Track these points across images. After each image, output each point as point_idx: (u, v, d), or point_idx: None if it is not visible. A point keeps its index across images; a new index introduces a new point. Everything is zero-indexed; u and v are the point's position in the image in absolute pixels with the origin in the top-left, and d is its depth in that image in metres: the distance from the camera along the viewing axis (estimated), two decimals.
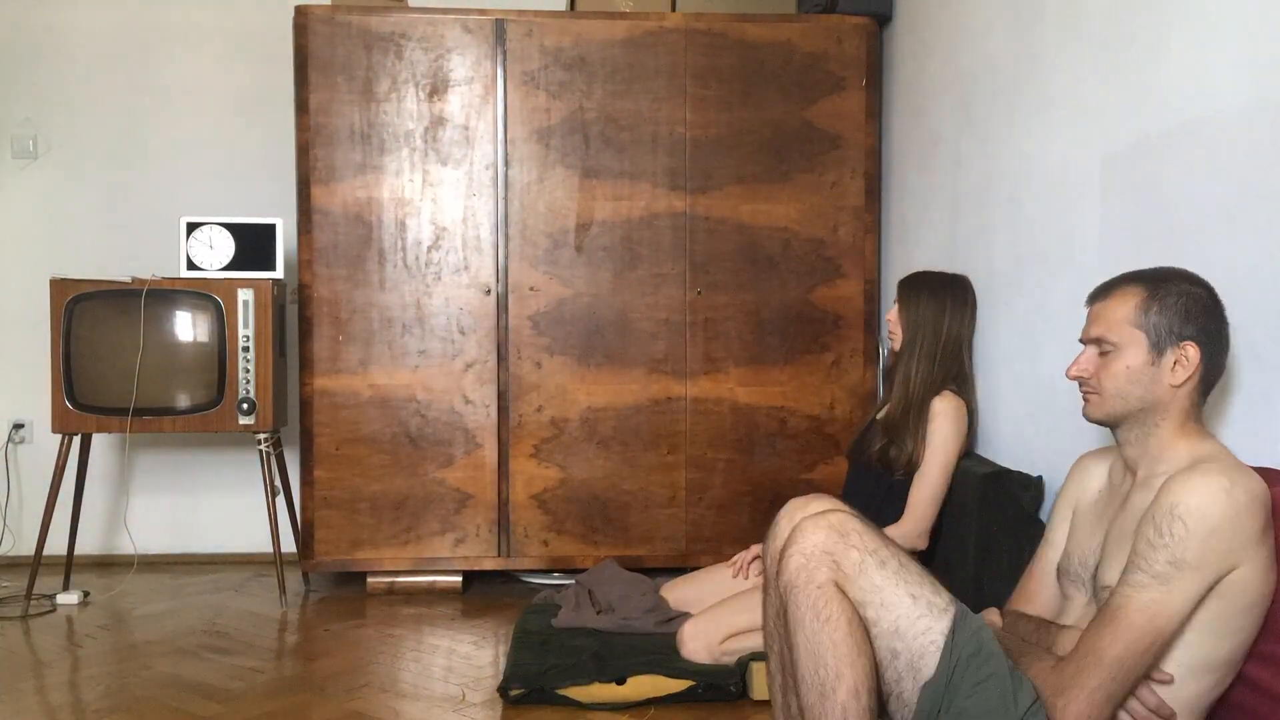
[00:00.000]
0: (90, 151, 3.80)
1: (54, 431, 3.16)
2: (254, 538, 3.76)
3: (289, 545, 3.56)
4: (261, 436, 3.22)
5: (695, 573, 2.89)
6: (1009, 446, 2.60)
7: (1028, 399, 2.52)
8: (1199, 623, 1.45)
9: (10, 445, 3.78)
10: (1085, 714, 1.43)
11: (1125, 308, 1.58)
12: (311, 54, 3.24)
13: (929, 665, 1.47)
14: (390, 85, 3.27)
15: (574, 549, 3.32)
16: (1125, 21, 2.10)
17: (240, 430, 3.18)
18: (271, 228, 3.26)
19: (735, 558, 2.71)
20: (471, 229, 3.30)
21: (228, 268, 3.22)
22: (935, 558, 2.63)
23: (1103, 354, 1.60)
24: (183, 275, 3.20)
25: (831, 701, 1.43)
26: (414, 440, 3.28)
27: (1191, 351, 1.54)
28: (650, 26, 3.31)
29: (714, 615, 2.46)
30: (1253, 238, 1.73)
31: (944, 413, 2.55)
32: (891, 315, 2.71)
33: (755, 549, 2.66)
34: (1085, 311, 1.68)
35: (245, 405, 3.15)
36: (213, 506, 3.84)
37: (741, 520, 3.36)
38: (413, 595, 3.33)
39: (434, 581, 3.35)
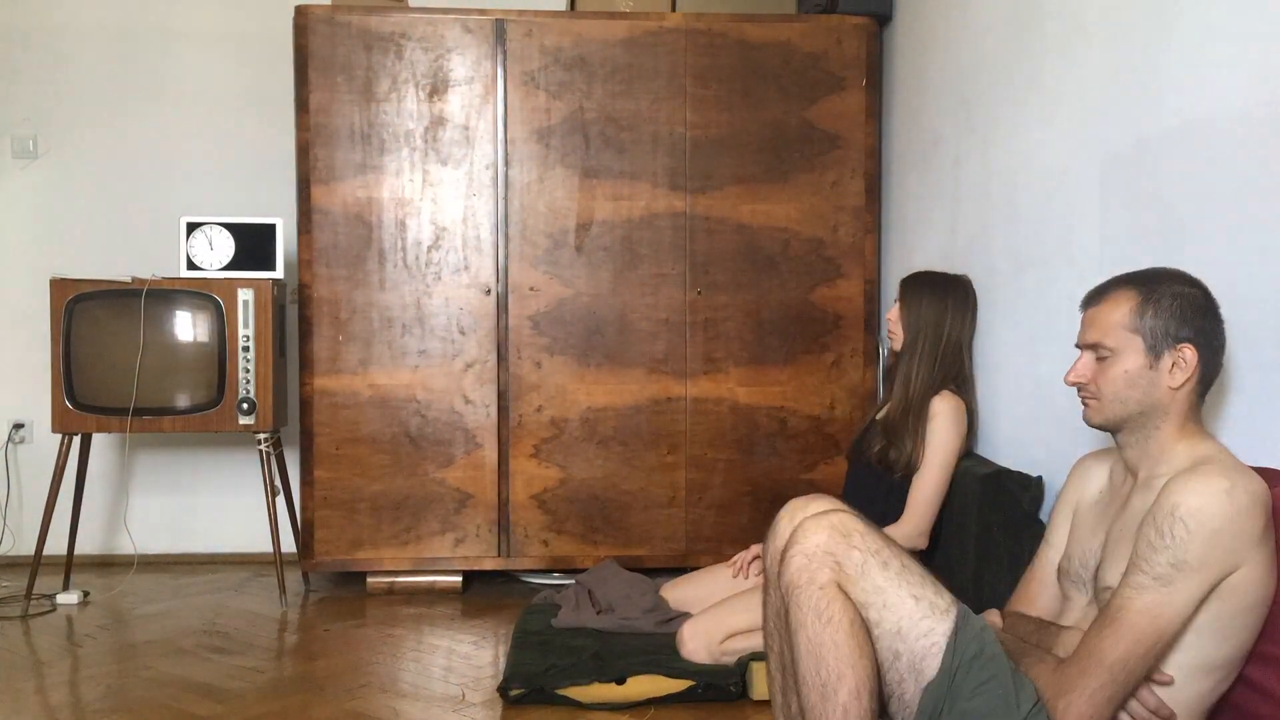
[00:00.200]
0: (90, 151, 3.80)
1: (54, 431, 3.16)
2: (254, 538, 3.76)
3: (289, 545, 3.56)
4: (261, 436, 3.22)
5: (695, 573, 2.89)
6: (1009, 446, 2.60)
7: (1028, 399, 2.52)
8: (1199, 624, 1.45)
9: (10, 445, 3.78)
10: (1087, 715, 1.43)
11: (1120, 311, 1.57)
12: (311, 54, 3.24)
13: (931, 667, 1.47)
14: (390, 85, 3.27)
15: (574, 549, 3.32)
16: (1125, 21, 2.10)
17: (240, 430, 3.18)
18: (271, 228, 3.25)
19: (735, 558, 2.71)
20: (471, 229, 3.30)
21: (228, 268, 3.22)
22: (935, 557, 2.63)
23: (1100, 359, 1.60)
24: (183, 275, 3.20)
25: (833, 703, 1.43)
26: (414, 440, 3.28)
27: (1189, 353, 1.54)
28: (650, 26, 3.31)
29: (714, 615, 2.46)
30: (1253, 238, 1.72)
31: (943, 413, 2.55)
32: (892, 315, 2.71)
33: (755, 549, 2.66)
34: (1080, 316, 1.67)
35: (245, 405, 3.15)
36: (213, 506, 3.84)
37: (741, 520, 3.36)
38: (413, 595, 3.33)
39: (434, 581, 3.35)
